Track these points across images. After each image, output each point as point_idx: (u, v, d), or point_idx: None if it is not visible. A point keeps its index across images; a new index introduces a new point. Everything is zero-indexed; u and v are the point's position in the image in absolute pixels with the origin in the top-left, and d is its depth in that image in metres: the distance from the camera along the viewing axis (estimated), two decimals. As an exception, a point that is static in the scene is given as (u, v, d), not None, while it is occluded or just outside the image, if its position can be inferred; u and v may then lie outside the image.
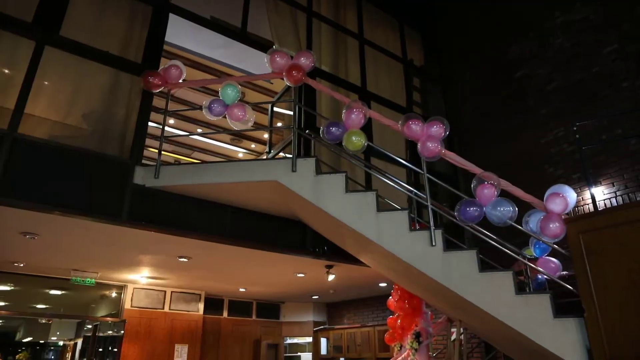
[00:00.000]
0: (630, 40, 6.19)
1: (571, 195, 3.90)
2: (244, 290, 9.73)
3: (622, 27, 6.32)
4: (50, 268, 7.36)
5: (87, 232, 5.09)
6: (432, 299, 4.92)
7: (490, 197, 3.79)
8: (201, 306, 9.82)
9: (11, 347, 14.47)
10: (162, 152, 4.90)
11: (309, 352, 11.48)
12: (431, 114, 8.08)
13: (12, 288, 7.90)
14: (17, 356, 14.12)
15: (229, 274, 7.95)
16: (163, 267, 7.33)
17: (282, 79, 4.77)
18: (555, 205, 3.80)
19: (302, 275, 7.71)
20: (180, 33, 6.10)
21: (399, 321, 5.62)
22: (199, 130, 9.66)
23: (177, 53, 6.79)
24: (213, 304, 10.24)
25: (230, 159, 10.94)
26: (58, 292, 8.38)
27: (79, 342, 11.03)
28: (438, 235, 3.78)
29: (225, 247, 5.57)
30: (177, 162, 10.40)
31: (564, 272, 4.30)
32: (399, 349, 5.65)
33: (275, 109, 6.53)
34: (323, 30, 7.26)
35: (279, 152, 6.00)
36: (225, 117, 4.85)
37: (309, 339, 11.27)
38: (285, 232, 5.58)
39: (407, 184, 5.60)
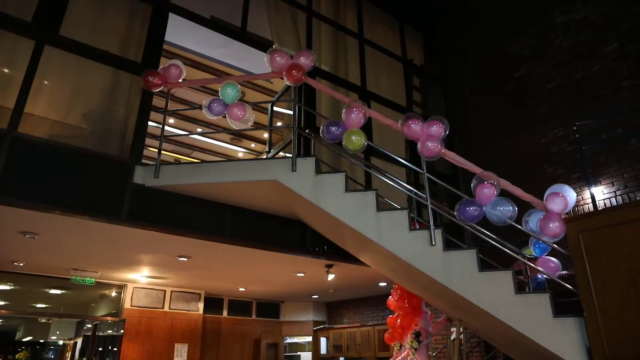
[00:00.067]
0: (630, 39, 6.19)
1: (571, 194, 3.90)
2: (243, 289, 9.73)
3: (622, 26, 6.31)
4: (50, 267, 7.37)
5: (87, 231, 5.09)
6: (431, 299, 4.92)
7: (490, 197, 3.79)
8: (201, 305, 9.82)
9: (11, 346, 14.50)
10: (162, 152, 4.90)
11: (308, 351, 11.49)
12: (431, 113, 8.09)
13: (12, 287, 7.90)
14: (17, 355, 14.15)
15: (228, 274, 7.95)
16: (163, 266, 7.33)
17: (282, 78, 4.77)
18: (555, 205, 3.80)
19: (302, 274, 7.71)
20: (180, 32, 6.10)
21: (399, 320, 5.62)
22: (199, 130, 9.66)
23: (177, 52, 6.79)
24: (213, 303, 10.24)
25: (230, 159, 10.94)
26: (58, 292, 8.38)
27: (79, 341, 11.05)
28: (438, 234, 3.79)
29: (225, 247, 5.57)
30: (177, 162, 10.40)
31: (564, 272, 4.30)
32: (398, 348, 5.66)
33: (275, 108, 6.53)
34: (323, 29, 7.26)
35: (278, 152, 6.00)
36: (225, 116, 4.85)
37: (309, 339, 11.27)
38: (285, 231, 5.59)
39: (407, 183, 5.60)
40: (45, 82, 4.65)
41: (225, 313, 10.50)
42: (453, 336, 5.14)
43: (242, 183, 4.54)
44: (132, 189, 4.59)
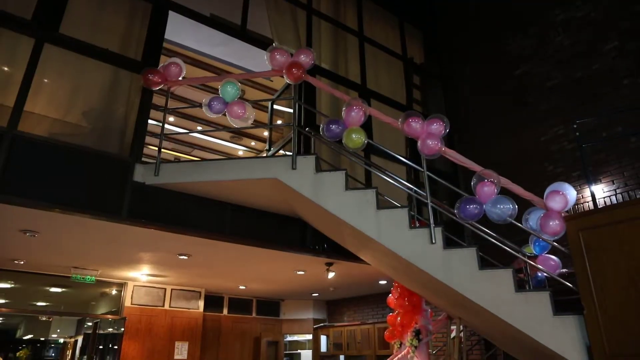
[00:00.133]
0: (631, 37, 6.18)
1: (571, 192, 3.91)
2: (244, 287, 9.74)
3: (622, 24, 6.31)
4: (51, 266, 7.37)
5: (87, 229, 5.09)
6: (432, 297, 4.93)
7: (490, 195, 3.80)
8: (201, 304, 9.84)
9: (12, 344, 14.52)
10: (162, 150, 4.90)
11: (309, 349, 11.51)
12: (431, 111, 8.08)
13: (13, 285, 7.91)
14: (17, 354, 14.18)
15: (229, 272, 7.96)
16: (163, 264, 7.33)
17: (282, 76, 4.77)
18: (555, 203, 3.81)
19: (302, 272, 7.72)
20: (180, 30, 6.10)
21: (399, 319, 5.63)
22: (199, 128, 9.65)
23: (176, 50, 6.78)
24: (213, 301, 10.26)
25: (230, 157, 10.91)
26: (58, 290, 8.39)
27: (80, 339, 11.06)
28: (438, 232, 3.79)
29: (225, 245, 5.57)
30: (177, 160, 10.39)
31: (564, 270, 4.30)
32: (398, 346, 5.66)
33: (275, 106, 6.52)
34: (323, 27, 7.25)
35: (279, 150, 6.00)
36: (225, 114, 4.85)
37: (309, 337, 11.29)
38: (285, 229, 5.59)
39: (407, 181, 5.59)
40: (45, 80, 4.64)
41: (225, 311, 10.52)
42: (453, 334, 5.15)
43: (242, 181, 4.54)
44: (132, 187, 4.59)
